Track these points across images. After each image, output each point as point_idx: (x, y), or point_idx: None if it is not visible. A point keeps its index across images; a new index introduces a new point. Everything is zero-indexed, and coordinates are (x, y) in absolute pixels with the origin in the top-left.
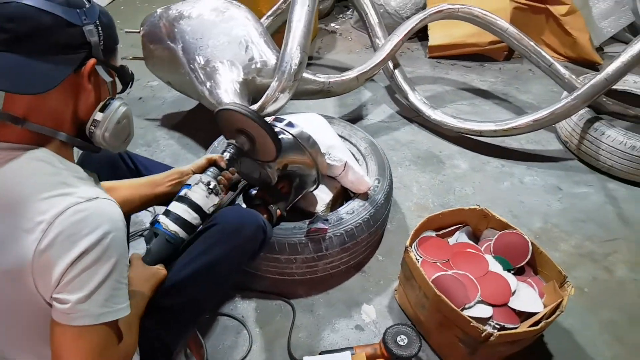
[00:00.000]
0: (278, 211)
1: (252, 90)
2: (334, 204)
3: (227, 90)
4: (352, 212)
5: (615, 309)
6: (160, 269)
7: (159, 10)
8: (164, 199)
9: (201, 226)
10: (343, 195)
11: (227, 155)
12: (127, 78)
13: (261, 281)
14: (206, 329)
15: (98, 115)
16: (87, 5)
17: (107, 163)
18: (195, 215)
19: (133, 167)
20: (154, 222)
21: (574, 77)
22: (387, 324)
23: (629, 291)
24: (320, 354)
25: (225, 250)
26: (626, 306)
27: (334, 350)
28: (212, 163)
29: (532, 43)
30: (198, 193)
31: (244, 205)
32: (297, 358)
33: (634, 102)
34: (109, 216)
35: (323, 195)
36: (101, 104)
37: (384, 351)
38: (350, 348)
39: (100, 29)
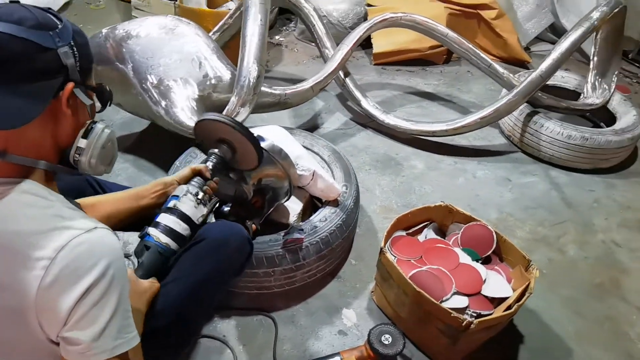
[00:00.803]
0: (253, 226)
1: (209, 106)
2: (304, 214)
3: (184, 108)
4: (325, 219)
5: (572, 287)
6: (154, 282)
7: (104, 31)
8: (149, 211)
9: (187, 242)
10: (311, 205)
11: (210, 164)
12: (105, 97)
13: (239, 298)
14: (189, 352)
15: (82, 142)
16: (60, 26)
17: (74, 189)
18: (186, 226)
19: (101, 191)
20: (144, 235)
21: (511, 75)
22: (369, 325)
23: (581, 269)
24: None
25: (213, 266)
26: (581, 282)
27: (321, 359)
28: (197, 173)
29: (471, 46)
30: (187, 204)
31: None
32: None
33: (563, 94)
34: (110, 246)
35: (294, 205)
36: (83, 129)
37: (370, 352)
38: (337, 354)
39: (75, 49)
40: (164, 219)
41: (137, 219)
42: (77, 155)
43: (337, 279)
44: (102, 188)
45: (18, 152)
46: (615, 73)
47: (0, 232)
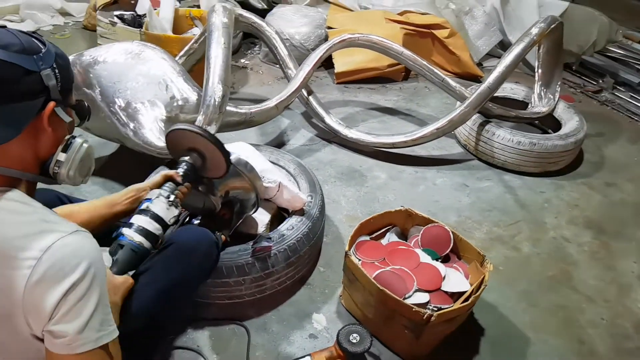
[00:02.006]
0: (222, 237)
1: None
2: (272, 224)
3: (152, 129)
4: (292, 227)
5: (527, 281)
6: (127, 278)
7: (71, 57)
8: (123, 217)
9: (159, 241)
10: (278, 217)
11: (181, 171)
12: (84, 113)
13: (211, 308)
14: None
15: (61, 156)
16: (43, 50)
17: (45, 204)
18: (158, 226)
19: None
20: (118, 234)
21: (463, 88)
22: (338, 327)
23: (534, 263)
24: None
25: (183, 269)
26: (534, 276)
27: None
28: (168, 179)
29: (424, 62)
30: (159, 205)
31: None
32: None
33: (513, 105)
34: (90, 248)
35: (262, 217)
36: (63, 144)
37: (339, 352)
38: (308, 355)
39: (57, 71)
40: (138, 219)
41: (111, 226)
42: (57, 168)
43: (307, 286)
44: (71, 202)
45: (3, 164)
46: (559, 83)
47: None
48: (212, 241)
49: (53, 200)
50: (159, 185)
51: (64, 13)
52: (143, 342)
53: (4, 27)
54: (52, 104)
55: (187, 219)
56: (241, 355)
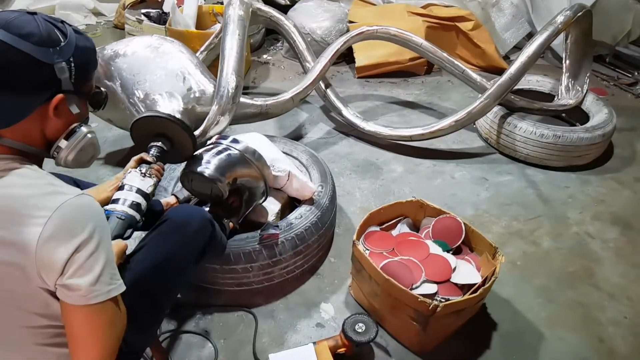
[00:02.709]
0: (231, 224)
1: (193, 119)
2: (283, 214)
3: None
4: (301, 216)
5: (545, 276)
6: (118, 242)
7: None
8: (107, 202)
9: (143, 209)
10: (289, 207)
11: (151, 152)
12: (100, 102)
13: (220, 295)
14: (170, 348)
15: (62, 143)
16: (63, 43)
17: None
18: (137, 195)
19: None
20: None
21: (484, 80)
22: (345, 317)
23: (554, 259)
24: None
25: (176, 243)
26: (553, 272)
27: (296, 348)
28: (140, 161)
29: (445, 54)
30: (132, 177)
31: None
32: None
33: (539, 97)
34: (96, 209)
35: (272, 206)
36: (67, 131)
37: (344, 341)
38: (313, 343)
39: (73, 64)
40: (117, 194)
41: None
42: (56, 153)
43: (316, 276)
44: (79, 186)
45: (11, 138)
46: (588, 75)
47: (1, 196)
48: (205, 218)
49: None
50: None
51: (97, 13)
52: (140, 319)
53: (36, 13)
54: (59, 96)
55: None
56: (248, 341)
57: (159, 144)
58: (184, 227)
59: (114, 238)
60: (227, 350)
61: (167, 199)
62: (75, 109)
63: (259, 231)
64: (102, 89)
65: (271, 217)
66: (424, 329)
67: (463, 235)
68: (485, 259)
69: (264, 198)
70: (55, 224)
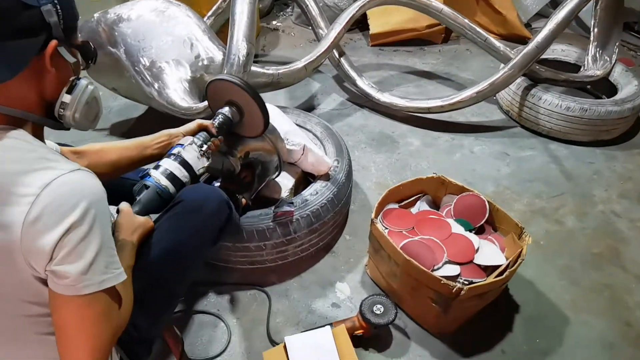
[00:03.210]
0: (243, 200)
1: (202, 87)
2: (297, 190)
3: (177, 89)
4: (316, 193)
5: (569, 256)
6: (148, 220)
7: (96, 15)
8: (152, 161)
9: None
10: (303, 182)
11: (217, 122)
12: (90, 55)
13: (233, 273)
14: (182, 327)
15: (66, 97)
16: None
17: None
18: (186, 173)
19: None
20: (145, 175)
21: (508, 49)
22: (362, 297)
23: (579, 239)
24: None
25: (191, 227)
26: (578, 252)
27: (313, 329)
28: (203, 128)
29: (466, 20)
30: (191, 153)
31: None
32: (278, 342)
33: (563, 68)
34: (92, 187)
35: (285, 181)
36: (67, 85)
37: (362, 322)
38: (329, 324)
39: (58, 7)
40: (167, 163)
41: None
42: (62, 110)
43: (331, 254)
44: None
45: (3, 103)
46: (617, 44)
47: None
48: (222, 199)
49: None
50: (193, 134)
51: None
52: (150, 306)
53: None
54: (54, 42)
55: (210, 182)
56: (261, 321)
57: (227, 112)
58: (200, 210)
59: (146, 213)
60: (240, 330)
61: None
62: (70, 58)
63: (272, 208)
64: (91, 43)
65: (284, 193)
66: (445, 311)
67: (487, 214)
68: (510, 240)
69: (277, 173)
70: (43, 203)
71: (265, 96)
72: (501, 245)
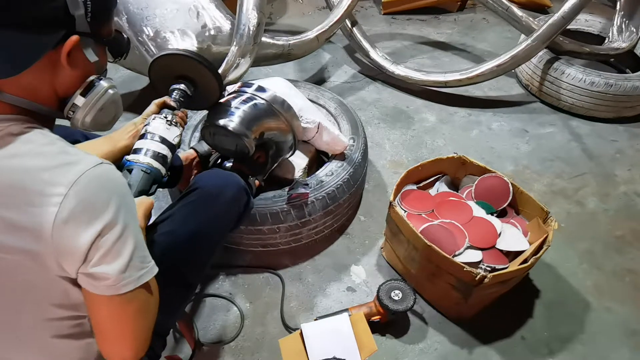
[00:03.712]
0: (256, 182)
1: (209, 59)
2: (310, 169)
3: None
4: (332, 173)
5: (591, 239)
6: (143, 198)
7: None
8: (127, 152)
9: (168, 161)
10: (317, 160)
11: (174, 96)
12: (121, 48)
13: (245, 256)
14: (194, 311)
15: (79, 100)
16: None
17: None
18: (162, 145)
19: None
20: (123, 163)
21: (530, 19)
22: (378, 281)
23: (600, 221)
24: (315, 320)
25: (207, 217)
26: (600, 235)
27: (329, 315)
28: (162, 105)
29: None
30: (158, 125)
31: None
32: (292, 327)
33: (586, 39)
34: (118, 180)
35: (299, 160)
36: (84, 85)
37: (379, 308)
38: (345, 310)
39: None
40: (139, 143)
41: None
42: (71, 112)
43: (345, 236)
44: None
45: (14, 93)
46: None
47: (4, 168)
48: (241, 187)
49: (75, 136)
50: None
51: None
52: (165, 296)
53: None
54: (74, 38)
55: (220, 161)
56: (275, 305)
57: (182, 87)
58: (217, 198)
59: (139, 194)
60: (253, 314)
61: (186, 153)
62: (92, 56)
63: (286, 189)
64: (124, 34)
65: (298, 173)
66: (466, 298)
67: (510, 197)
68: (534, 224)
69: (291, 152)
70: (73, 202)
71: (273, 69)
72: (524, 229)
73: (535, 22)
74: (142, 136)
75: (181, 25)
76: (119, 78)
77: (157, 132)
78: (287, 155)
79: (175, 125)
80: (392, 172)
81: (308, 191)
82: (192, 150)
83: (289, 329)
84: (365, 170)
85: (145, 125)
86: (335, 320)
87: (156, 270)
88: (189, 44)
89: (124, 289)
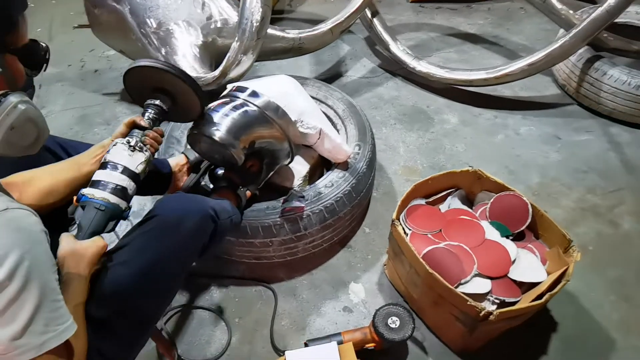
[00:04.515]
0: (248, 192)
1: (214, 53)
2: (313, 175)
3: (186, 55)
4: (332, 184)
5: (622, 266)
6: (95, 240)
7: None
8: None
9: (130, 194)
10: (322, 164)
11: (147, 115)
12: (37, 58)
13: (237, 266)
14: (180, 324)
15: None
16: None
17: (26, 160)
18: (123, 176)
19: (65, 156)
20: (79, 197)
21: (571, 12)
22: (377, 302)
23: (636, 245)
24: (305, 343)
25: (165, 248)
26: (634, 261)
27: (320, 339)
28: (132, 126)
29: None
30: (118, 153)
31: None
32: (280, 349)
33: (635, 35)
34: (23, 231)
35: (299, 167)
36: None
37: (374, 335)
38: (338, 334)
39: None
40: (98, 175)
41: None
42: None
43: (347, 249)
44: (66, 151)
45: None
46: None
47: None
48: (206, 215)
49: (52, 146)
50: (124, 136)
51: None
52: (121, 334)
53: None
54: None
55: (213, 168)
56: (265, 322)
57: (157, 102)
58: (177, 228)
59: (91, 235)
60: (241, 331)
61: (176, 159)
62: None
63: (281, 201)
64: (42, 42)
65: (297, 181)
66: (470, 331)
67: (529, 220)
68: (554, 253)
69: (289, 159)
70: None
71: (286, 61)
72: (542, 256)
73: (577, 16)
74: (102, 165)
75: (186, 17)
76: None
77: (117, 161)
78: (286, 162)
79: (140, 151)
80: (404, 180)
81: (303, 204)
82: (182, 156)
83: (278, 351)
84: (371, 180)
85: (106, 153)
86: (323, 349)
87: (70, 333)
88: (194, 37)
89: (21, 357)
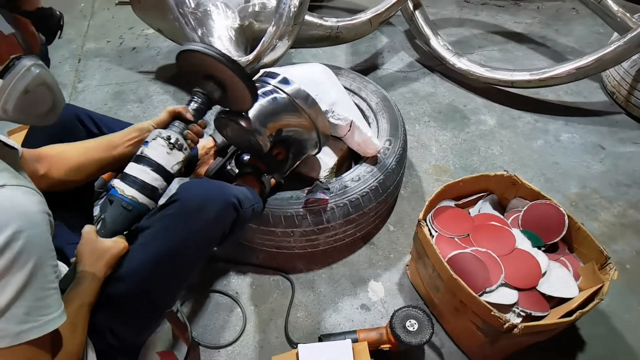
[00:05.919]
0: (272, 180)
1: (250, 37)
2: (340, 168)
3: (221, 37)
4: (358, 179)
5: None
6: (117, 241)
7: None
8: (124, 161)
9: (160, 193)
10: (351, 157)
11: (193, 105)
12: (50, 23)
13: (258, 254)
14: (197, 306)
15: None
16: None
17: (60, 130)
18: (157, 175)
19: (96, 130)
20: (108, 187)
21: (627, 15)
22: (397, 303)
23: None
24: (319, 337)
25: (184, 234)
26: None
27: (335, 334)
28: (176, 116)
29: None
30: (157, 149)
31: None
32: (294, 341)
33: None
34: (22, 208)
35: (326, 158)
36: (2, 66)
37: (390, 337)
38: (353, 332)
39: None
40: (131, 168)
41: (114, 171)
42: None
43: (370, 246)
44: (98, 126)
45: None
46: None
47: None
48: (228, 203)
49: (68, 123)
50: (165, 124)
51: None
52: (132, 315)
53: None
54: None
55: (240, 154)
56: (281, 312)
57: (205, 91)
58: (198, 214)
59: (112, 234)
60: (257, 319)
61: (203, 141)
62: (7, 28)
63: (305, 191)
64: (56, 10)
65: (324, 172)
66: (492, 343)
67: (564, 232)
68: (589, 269)
69: (317, 150)
70: None
71: (323, 50)
72: (575, 271)
73: (634, 20)
74: (137, 158)
75: None
76: (166, 47)
77: (153, 158)
78: (313, 153)
79: (180, 150)
80: (434, 179)
81: (327, 197)
82: (210, 139)
83: (291, 343)
84: (400, 177)
85: (143, 144)
86: (337, 345)
87: (54, 326)
88: (231, 19)
89: None
